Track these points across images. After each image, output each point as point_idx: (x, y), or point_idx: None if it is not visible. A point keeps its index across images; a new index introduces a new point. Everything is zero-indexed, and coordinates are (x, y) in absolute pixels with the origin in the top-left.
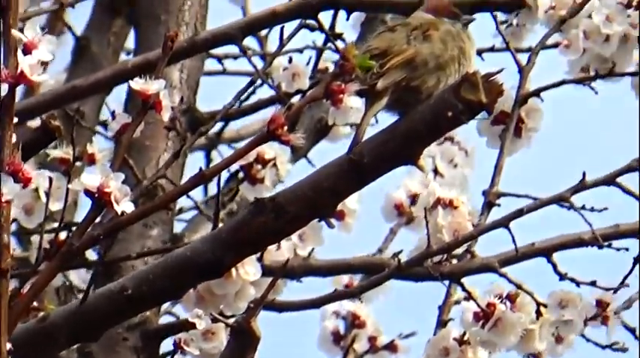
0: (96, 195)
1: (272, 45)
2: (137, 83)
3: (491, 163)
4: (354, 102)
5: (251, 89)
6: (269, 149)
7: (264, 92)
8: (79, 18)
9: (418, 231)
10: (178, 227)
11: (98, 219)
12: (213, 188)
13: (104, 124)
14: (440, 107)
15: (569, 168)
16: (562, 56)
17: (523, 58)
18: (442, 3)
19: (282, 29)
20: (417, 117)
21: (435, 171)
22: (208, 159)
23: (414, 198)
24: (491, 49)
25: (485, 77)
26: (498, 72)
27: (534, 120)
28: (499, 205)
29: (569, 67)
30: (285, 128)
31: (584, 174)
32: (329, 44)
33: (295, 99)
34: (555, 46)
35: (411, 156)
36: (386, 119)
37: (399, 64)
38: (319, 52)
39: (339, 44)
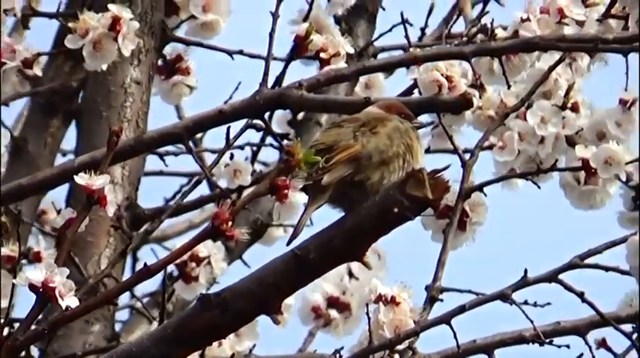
0: (40, 290)
1: (206, 143)
2: (82, 178)
3: (433, 258)
4: (298, 198)
5: (189, 186)
6: (203, 247)
7: (204, 189)
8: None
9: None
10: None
11: (41, 315)
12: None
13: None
14: (386, 203)
15: (511, 262)
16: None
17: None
18: (395, 103)
19: (228, 129)
20: (363, 213)
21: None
22: (134, 259)
23: (329, 301)
24: (427, 151)
25: (431, 174)
26: (444, 169)
27: (479, 214)
28: (442, 300)
29: (497, 169)
30: (230, 223)
31: (525, 271)
32: (268, 141)
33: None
34: (490, 147)
35: (356, 253)
36: (331, 214)
37: (344, 159)
38: (257, 148)
39: (283, 141)
